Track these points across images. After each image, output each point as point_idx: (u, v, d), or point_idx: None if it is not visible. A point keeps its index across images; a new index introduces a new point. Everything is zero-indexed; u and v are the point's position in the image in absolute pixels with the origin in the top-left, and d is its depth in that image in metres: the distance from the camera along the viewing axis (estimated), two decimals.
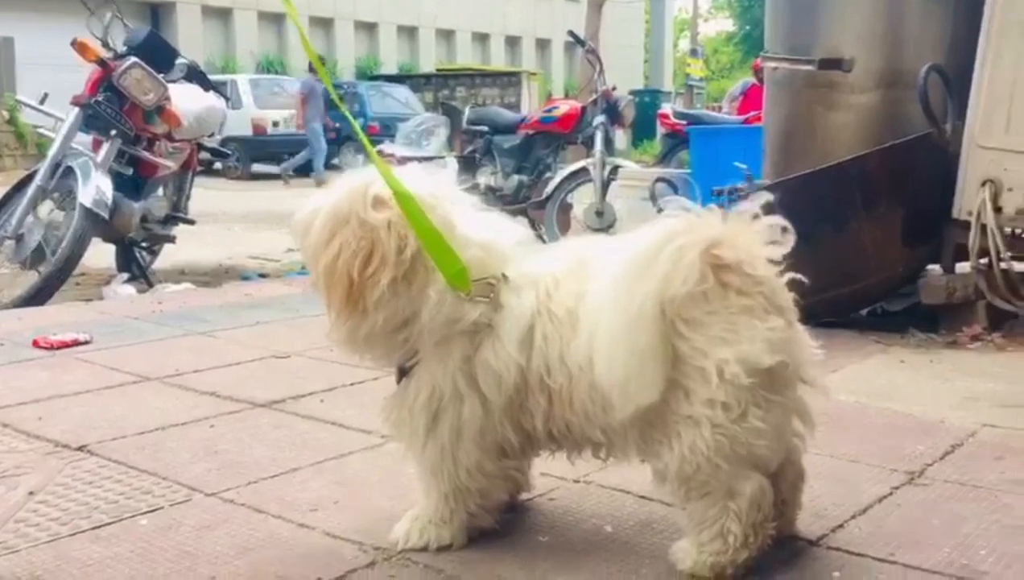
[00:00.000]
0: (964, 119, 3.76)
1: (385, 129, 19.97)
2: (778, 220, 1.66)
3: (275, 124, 19.00)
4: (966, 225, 3.69)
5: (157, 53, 5.74)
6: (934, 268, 4.01)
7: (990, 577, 1.72)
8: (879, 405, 2.82)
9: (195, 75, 6.06)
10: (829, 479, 2.21)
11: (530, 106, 21.08)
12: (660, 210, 4.96)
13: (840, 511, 2.02)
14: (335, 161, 20.80)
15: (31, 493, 2.12)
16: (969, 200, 3.68)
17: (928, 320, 3.85)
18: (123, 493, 2.13)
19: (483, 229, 1.82)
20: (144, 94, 5.47)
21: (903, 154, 3.72)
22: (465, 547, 1.85)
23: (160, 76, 5.59)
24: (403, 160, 5.38)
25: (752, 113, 11.59)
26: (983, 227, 3.60)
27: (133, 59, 5.44)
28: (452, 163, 5.46)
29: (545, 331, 1.73)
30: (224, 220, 9.92)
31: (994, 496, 2.10)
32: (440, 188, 1.83)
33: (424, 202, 1.74)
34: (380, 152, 5.56)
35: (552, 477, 2.16)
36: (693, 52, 28.24)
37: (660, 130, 14.44)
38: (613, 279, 1.62)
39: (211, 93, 6.20)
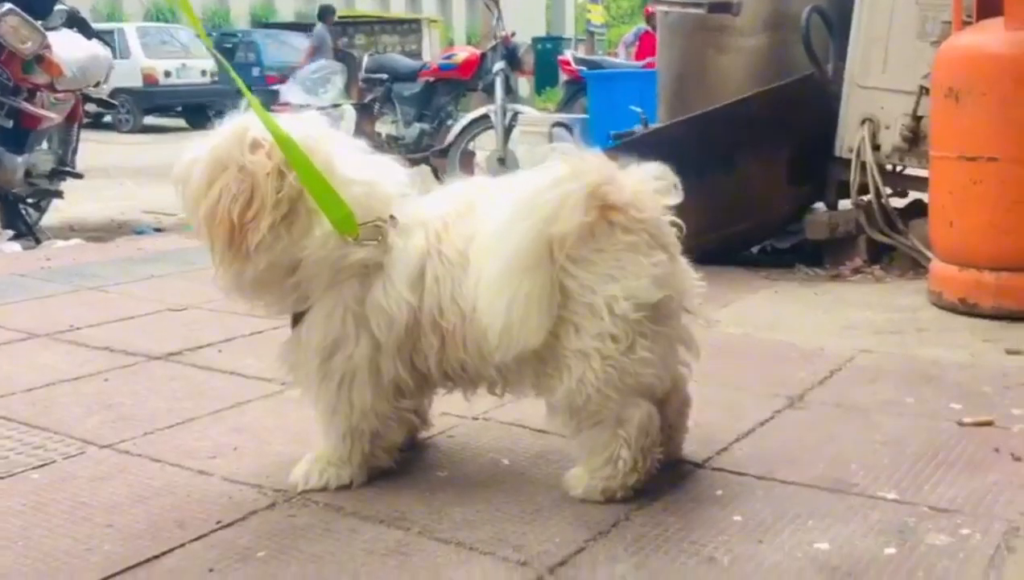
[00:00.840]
0: (844, 60, 3.89)
1: (283, 79, 19.53)
2: (658, 167, 1.73)
3: (167, 74, 18.34)
4: (847, 162, 3.84)
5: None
6: (819, 206, 4.17)
7: (859, 488, 1.84)
8: (764, 336, 2.95)
9: (76, 22, 5.82)
10: (716, 406, 2.30)
11: (431, 54, 20.83)
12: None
13: (725, 435, 2.12)
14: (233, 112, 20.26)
15: None
16: (849, 138, 3.83)
17: (813, 256, 4.01)
18: (12, 449, 2.09)
19: (366, 170, 1.83)
20: (22, 43, 5.23)
21: (787, 94, 3.84)
22: (364, 486, 1.88)
23: (38, 23, 5.35)
24: (299, 108, 5.29)
25: (649, 59, 11.74)
26: (863, 164, 3.75)
27: (8, 5, 5.18)
28: (350, 111, 5.39)
29: (436, 272, 1.75)
30: (115, 174, 9.60)
31: (866, 416, 2.23)
32: (320, 131, 1.83)
33: (305, 145, 1.74)
34: (276, 101, 5.47)
35: (452, 415, 2.21)
36: None
37: (561, 77, 14.44)
38: (499, 222, 1.65)
39: (94, 41, 5.96)
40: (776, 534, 1.66)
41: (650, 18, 13.71)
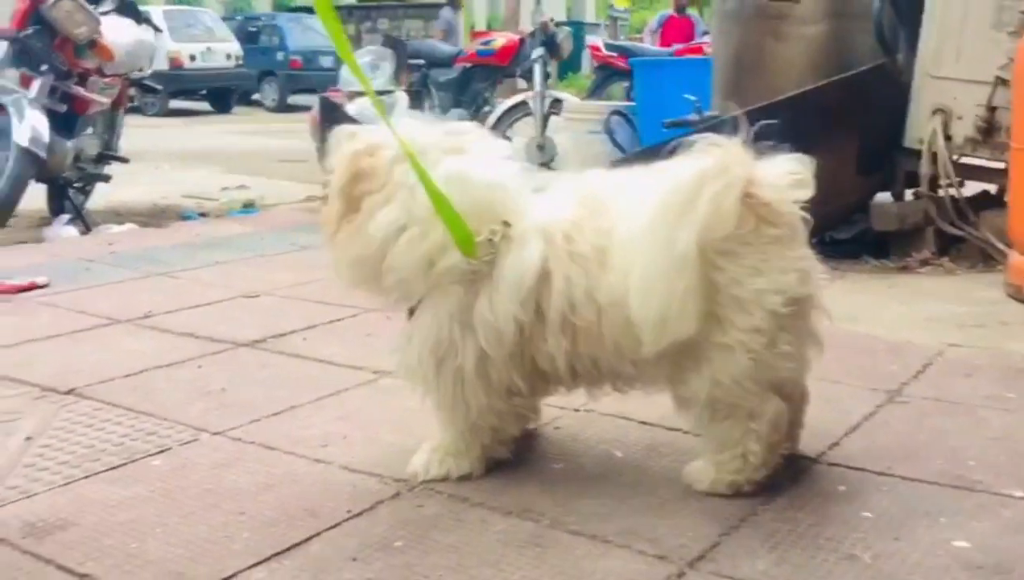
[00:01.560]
0: (915, 49, 3.86)
1: (307, 63, 19.50)
2: (800, 158, 1.72)
3: (192, 58, 18.35)
4: (916, 153, 3.82)
5: None
6: (883, 196, 4.15)
7: (983, 485, 1.83)
8: (847, 328, 2.92)
9: (127, 6, 5.82)
10: (816, 399, 2.26)
11: (459, 39, 20.76)
12: (613, 140, 4.97)
13: (833, 429, 2.12)
14: (255, 96, 20.30)
15: (29, 438, 2.09)
16: (920, 129, 3.80)
17: (878, 247, 3.98)
18: (127, 435, 2.11)
19: (490, 171, 1.81)
20: (76, 27, 5.25)
21: (859, 83, 3.81)
22: (484, 476, 1.89)
23: (91, 8, 5.36)
24: (351, 95, 5.30)
25: (679, 46, 11.66)
26: (934, 155, 3.72)
27: None
28: (403, 97, 5.38)
29: (568, 272, 1.72)
30: (150, 158, 9.60)
31: (971, 411, 2.22)
32: (452, 134, 1.83)
33: (435, 147, 1.75)
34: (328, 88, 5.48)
35: (553, 407, 2.21)
36: None
37: (591, 63, 14.33)
38: (650, 220, 1.64)
39: (143, 26, 5.97)
40: (911, 531, 1.66)
41: (676, 2, 13.61)
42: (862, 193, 4.02)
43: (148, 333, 2.94)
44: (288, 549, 1.61)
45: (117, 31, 5.70)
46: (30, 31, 5.20)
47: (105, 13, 5.60)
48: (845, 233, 4.30)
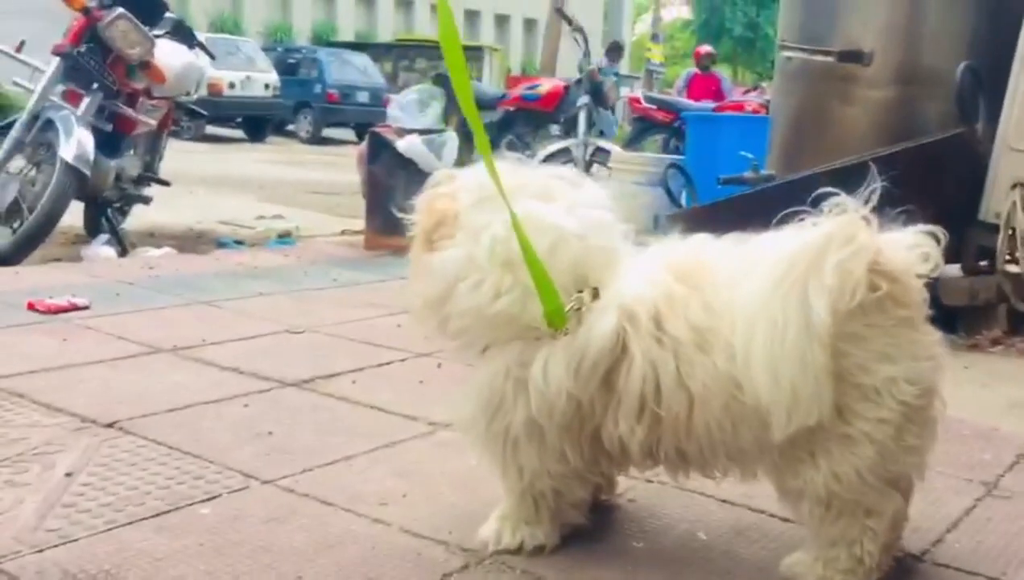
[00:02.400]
0: (995, 120, 3.73)
1: (343, 97, 19.63)
2: (928, 229, 1.57)
3: (231, 85, 18.49)
4: (992, 227, 3.67)
5: (143, 5, 5.46)
6: (951, 269, 3.99)
7: None
8: None
9: (182, 30, 5.79)
10: None
11: (491, 82, 20.87)
12: (670, 194, 4.84)
13: (932, 524, 1.96)
14: (290, 127, 20.40)
15: (69, 474, 1.95)
16: (997, 202, 3.66)
17: (945, 322, 3.81)
18: (172, 477, 1.97)
19: (591, 227, 1.67)
20: (130, 47, 5.21)
21: (933, 152, 3.67)
22: (559, 549, 1.74)
23: (146, 29, 5.32)
24: (400, 132, 5.21)
25: (709, 103, 11.62)
26: (1011, 230, 3.57)
27: (120, 9, 5.17)
28: (453, 137, 5.28)
29: (654, 357, 1.56)
30: (185, 182, 9.57)
31: None
32: (542, 178, 1.70)
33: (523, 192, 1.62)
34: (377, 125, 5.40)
35: (625, 476, 2.05)
36: (654, 37, 28.22)
37: (626, 114, 14.35)
38: (774, 289, 1.48)
39: (195, 50, 5.94)
40: None
41: (699, 60, 13.70)
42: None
43: (192, 365, 2.81)
44: None
45: (170, 54, 5.66)
46: (83, 48, 5.16)
47: (159, 36, 5.57)
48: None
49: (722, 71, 15.74)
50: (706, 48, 14.29)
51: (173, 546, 1.67)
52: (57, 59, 5.10)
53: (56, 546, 1.64)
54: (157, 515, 1.79)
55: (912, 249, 1.56)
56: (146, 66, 5.38)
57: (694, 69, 13.99)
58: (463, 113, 1.60)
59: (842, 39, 4.31)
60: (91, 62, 5.14)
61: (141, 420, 2.29)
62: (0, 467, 1.96)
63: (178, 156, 12.46)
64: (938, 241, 1.58)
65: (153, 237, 6.23)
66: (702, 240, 1.73)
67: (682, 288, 1.60)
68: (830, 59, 4.39)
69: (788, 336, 1.45)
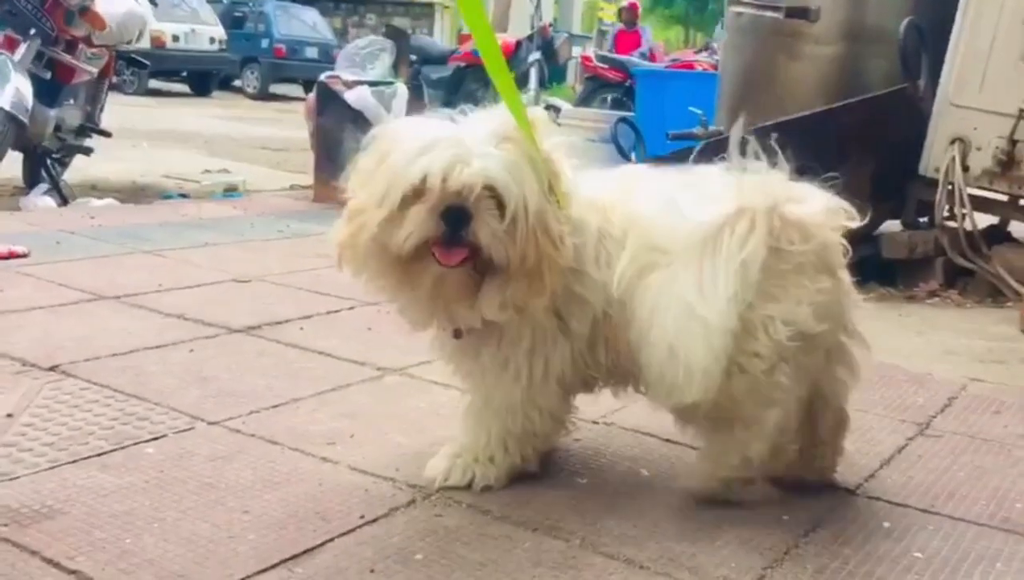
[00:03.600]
0: (937, 76, 3.79)
1: (291, 53, 19.25)
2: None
3: (175, 39, 18.04)
4: (932, 182, 3.75)
5: None
6: (892, 224, 4.08)
7: None
8: None
9: None
10: None
11: (443, 39, 20.62)
12: (618, 147, 4.84)
13: (866, 460, 2.02)
14: (236, 82, 20.01)
15: (10, 415, 1.93)
16: (937, 157, 3.73)
17: (883, 274, 3.91)
18: (116, 418, 1.95)
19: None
20: None
21: (879, 107, 3.73)
22: (504, 488, 1.76)
23: None
24: (350, 83, 5.14)
25: (670, 59, 11.67)
26: (950, 185, 3.65)
27: None
28: (402, 89, 5.23)
29: (606, 251, 1.66)
30: (129, 136, 9.37)
31: (1007, 451, 2.13)
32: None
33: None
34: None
35: (573, 418, 2.08)
36: None
37: (578, 73, 14.33)
38: (685, 266, 1.56)
39: None
40: (967, 576, 1.56)
41: (623, 16, 13.90)
42: (873, 219, 3.94)
43: (135, 311, 2.78)
44: (299, 555, 1.47)
45: (110, 0, 5.51)
46: None
47: None
48: (851, 258, 4.23)
49: (647, 27, 15.86)
50: (630, 2, 14.42)
51: (118, 483, 1.67)
52: None
53: None
54: (101, 454, 1.78)
55: (818, 200, 1.60)
56: (85, 12, 5.23)
57: (620, 25, 14.14)
58: (490, 74, 1.59)
59: None
60: (28, 6, 4.98)
61: (84, 364, 2.26)
62: None
63: (122, 109, 12.18)
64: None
65: (95, 189, 6.10)
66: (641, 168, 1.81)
67: (617, 198, 1.71)
68: (778, 15, 4.42)
69: (695, 328, 1.51)
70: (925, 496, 1.86)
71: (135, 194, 6.05)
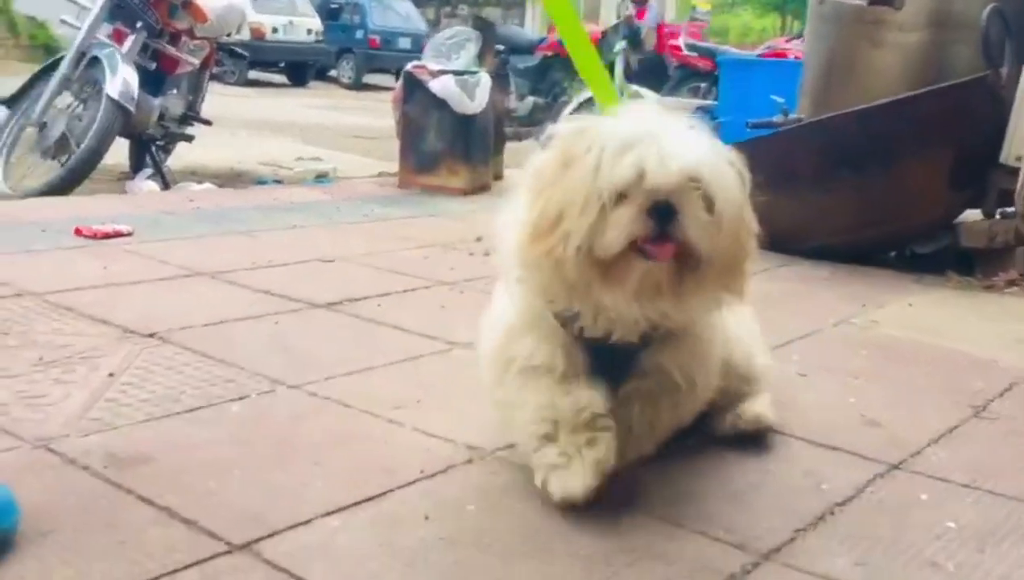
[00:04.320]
0: (1021, 64, 3.74)
1: (385, 43, 19.65)
2: None
3: (274, 31, 18.58)
4: (1013, 171, 3.70)
5: None
6: (971, 212, 4.04)
7: None
8: (931, 341, 2.86)
9: None
10: (897, 407, 2.25)
11: (534, 28, 20.74)
12: None
13: (915, 437, 2.07)
14: (332, 72, 20.50)
15: (111, 374, 2.13)
16: (1019, 146, 3.69)
17: (962, 263, 3.88)
18: (206, 380, 2.13)
19: None
20: None
21: (958, 95, 3.71)
22: None
23: None
24: (434, 73, 5.30)
25: (764, 47, 11.51)
26: None
27: None
28: (486, 78, 5.36)
29: None
30: (228, 124, 9.74)
31: None
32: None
33: None
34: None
35: None
36: None
37: (670, 62, 14.22)
38: None
39: None
40: (997, 545, 1.61)
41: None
42: (951, 208, 3.92)
43: (227, 287, 2.98)
44: (362, 502, 1.61)
45: None
46: None
47: None
48: (928, 247, 4.20)
49: (654, 3, 15.41)
50: None
51: (204, 436, 1.84)
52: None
53: (100, 432, 1.82)
54: (191, 410, 1.96)
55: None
56: (188, 5, 5.52)
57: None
58: (578, 70, 1.63)
59: None
60: (135, 2, 5.28)
61: (179, 332, 2.46)
62: (50, 368, 2.14)
63: (222, 100, 12.67)
64: None
65: (195, 175, 6.41)
66: None
67: None
68: (862, 2, 4.40)
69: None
70: (968, 472, 1.90)
71: (232, 179, 6.35)
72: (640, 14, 8.01)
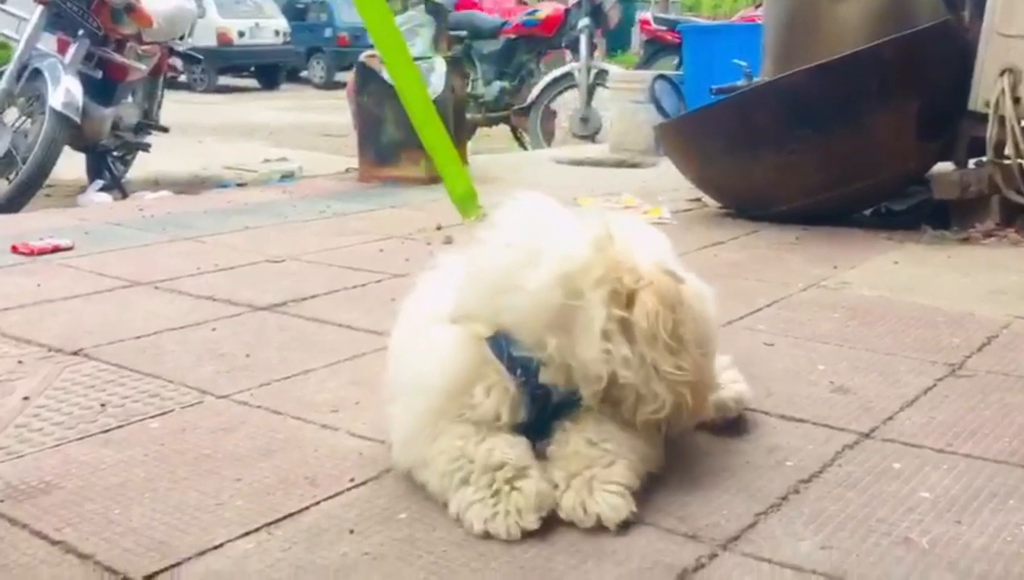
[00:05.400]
0: (982, 6, 3.61)
1: (355, 40, 19.39)
2: None
3: (241, 34, 18.39)
4: (982, 117, 3.57)
5: None
6: (943, 165, 3.91)
7: None
8: (904, 299, 2.74)
9: None
10: (869, 372, 2.13)
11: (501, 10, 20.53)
12: (658, 106, 4.78)
13: (887, 403, 1.94)
14: (303, 73, 20.29)
15: (26, 398, 1.99)
16: (987, 90, 3.56)
17: (938, 217, 3.75)
18: (128, 397, 1.99)
19: None
20: None
21: (920, 43, 3.57)
22: None
23: None
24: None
25: (737, 17, 11.36)
26: (1001, 118, 3.48)
27: None
28: (440, 63, 5.21)
29: None
30: (194, 132, 9.62)
31: None
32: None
33: None
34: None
35: None
36: None
37: (639, 37, 14.08)
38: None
39: None
40: (975, 514, 1.48)
41: None
42: (922, 160, 3.79)
43: (167, 296, 2.83)
44: (281, 519, 1.48)
45: None
46: None
47: None
48: (903, 203, 4.08)
49: None
50: None
51: (117, 457, 1.70)
52: (40, 7, 5.09)
53: (2, 462, 1.67)
54: (106, 431, 1.81)
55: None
56: (132, 10, 5.36)
57: None
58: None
59: None
60: (74, 8, 5.13)
61: (107, 347, 2.32)
62: None
63: (191, 107, 12.53)
64: None
65: (157, 184, 6.26)
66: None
67: None
68: None
69: None
70: (943, 436, 1.77)
71: (195, 186, 6.19)
72: None
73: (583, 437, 1.51)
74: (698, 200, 4.33)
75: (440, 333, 1.55)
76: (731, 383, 1.85)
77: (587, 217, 1.53)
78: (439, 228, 3.79)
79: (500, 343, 1.50)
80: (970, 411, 1.90)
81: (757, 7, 12.59)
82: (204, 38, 16.67)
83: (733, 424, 1.82)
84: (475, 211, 1.60)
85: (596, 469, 1.48)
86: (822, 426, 1.83)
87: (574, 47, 8.18)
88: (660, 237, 1.62)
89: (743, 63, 4.83)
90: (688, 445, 1.73)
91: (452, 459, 1.48)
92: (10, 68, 5.01)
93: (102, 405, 1.94)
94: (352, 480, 1.62)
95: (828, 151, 3.60)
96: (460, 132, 5.76)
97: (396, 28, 1.72)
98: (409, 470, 1.57)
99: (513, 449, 1.48)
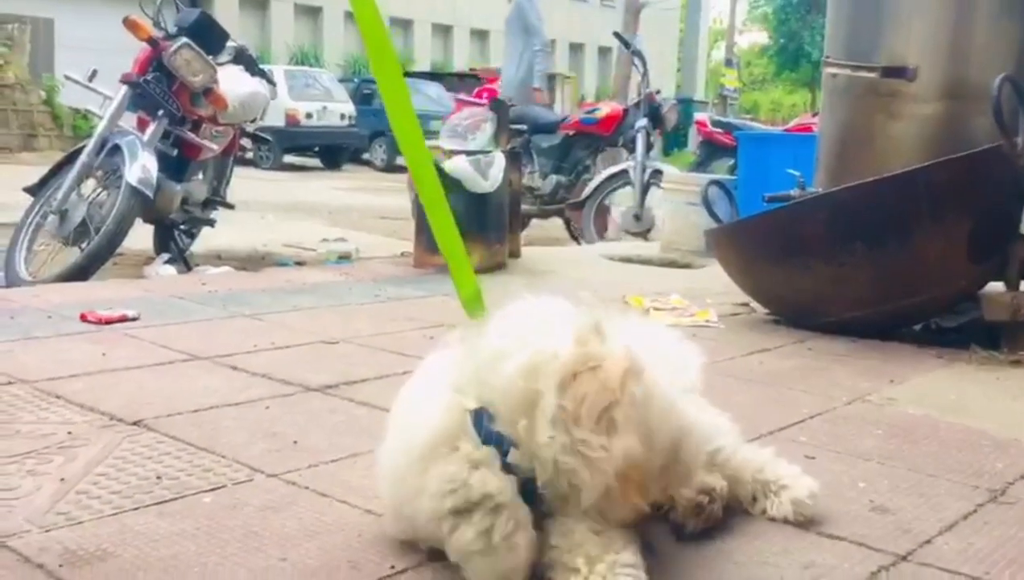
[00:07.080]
0: None
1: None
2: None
3: (308, 116, 19.03)
4: None
5: (207, 34, 5.72)
6: (995, 285, 3.92)
7: None
8: (950, 420, 2.74)
9: (244, 59, 6.04)
10: (908, 492, 2.13)
11: (563, 109, 21.01)
12: (710, 211, 4.83)
13: (926, 526, 1.94)
14: (365, 155, 20.85)
15: (87, 465, 2.07)
16: None
17: (988, 337, 3.75)
18: (183, 470, 2.07)
19: None
20: (193, 75, 5.46)
21: (973, 165, 3.63)
22: None
23: (209, 58, 5.57)
24: (450, 153, 5.32)
25: (795, 123, 11.54)
26: None
27: (184, 39, 5.42)
28: (499, 157, 5.37)
29: None
30: (257, 208, 9.92)
31: None
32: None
33: None
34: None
35: None
36: (728, 62, 28.11)
37: (696, 138, 14.33)
38: None
39: (257, 78, 6.17)
40: None
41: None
42: (973, 280, 3.80)
43: (224, 371, 2.94)
44: None
45: (233, 81, 5.90)
46: (150, 76, 5.42)
47: (222, 64, 5.81)
48: (953, 320, 4.08)
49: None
50: None
51: (171, 529, 1.77)
52: (124, 87, 5.37)
53: (62, 527, 1.75)
54: (161, 502, 1.89)
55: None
56: (209, 93, 5.62)
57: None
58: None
59: (886, 55, 4.26)
60: (156, 90, 5.40)
61: (166, 419, 2.41)
62: (26, 458, 2.09)
63: (256, 184, 12.93)
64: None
65: (219, 258, 6.47)
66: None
67: None
68: (874, 75, 4.36)
69: None
70: (981, 563, 1.77)
71: (256, 262, 6.38)
72: (651, 97, 8.07)
73: (585, 524, 1.55)
74: (746, 305, 4.37)
75: (433, 397, 1.63)
76: (797, 477, 1.92)
77: (585, 316, 1.57)
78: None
79: (481, 416, 1.56)
80: (1009, 540, 1.90)
81: (814, 115, 12.79)
82: (273, 118, 17.24)
83: (761, 537, 1.84)
84: (480, 312, 1.69)
85: (612, 555, 1.51)
86: (859, 545, 1.84)
87: (631, 145, 8.36)
88: (689, 349, 1.67)
89: (797, 173, 4.90)
90: (720, 558, 1.75)
91: (447, 480, 1.52)
92: (91, 142, 5.27)
93: (158, 477, 2.02)
94: (393, 567, 1.66)
95: (879, 266, 3.64)
96: (515, 223, 5.91)
97: (413, 112, 1.83)
98: (398, 508, 1.66)
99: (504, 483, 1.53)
